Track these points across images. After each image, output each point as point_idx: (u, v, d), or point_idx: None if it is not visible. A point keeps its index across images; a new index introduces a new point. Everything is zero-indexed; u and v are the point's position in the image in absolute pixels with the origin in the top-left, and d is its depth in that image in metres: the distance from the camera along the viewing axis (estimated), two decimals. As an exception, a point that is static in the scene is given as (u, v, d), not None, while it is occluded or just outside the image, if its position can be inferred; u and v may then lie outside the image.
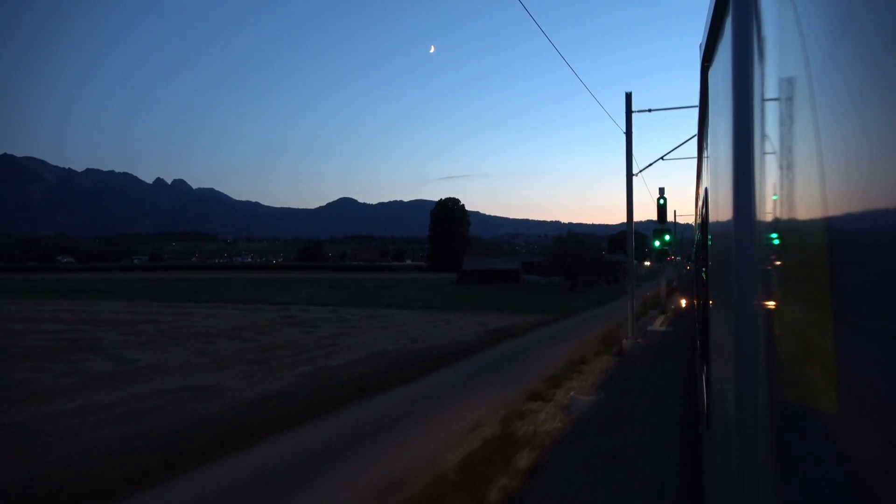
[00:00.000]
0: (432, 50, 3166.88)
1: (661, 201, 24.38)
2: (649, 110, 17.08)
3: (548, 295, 48.97)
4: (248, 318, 26.83)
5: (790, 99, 0.95)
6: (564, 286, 58.90)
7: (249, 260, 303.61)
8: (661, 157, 17.32)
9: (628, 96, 16.93)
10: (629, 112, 16.90)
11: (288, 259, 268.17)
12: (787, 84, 0.98)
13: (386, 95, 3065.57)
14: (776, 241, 1.09)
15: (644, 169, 17.43)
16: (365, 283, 76.95)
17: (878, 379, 0.57)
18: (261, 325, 23.57)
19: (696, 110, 4.08)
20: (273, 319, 26.36)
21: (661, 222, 23.62)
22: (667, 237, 23.47)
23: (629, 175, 17.02)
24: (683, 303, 27.98)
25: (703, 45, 2.45)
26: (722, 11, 1.78)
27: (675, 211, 48.21)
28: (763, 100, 1.24)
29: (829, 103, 0.73)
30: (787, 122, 0.99)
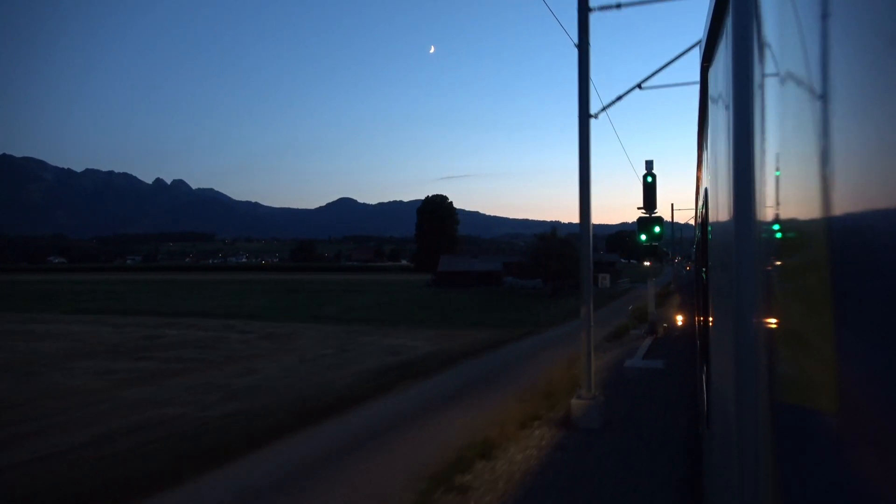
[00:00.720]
0: (432, 50, 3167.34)
1: (649, 179, 17.21)
2: (618, 6, 9.90)
3: (524, 301, 41.55)
4: (92, 339, 19.85)
5: (790, 98, 0.94)
6: (547, 290, 51.60)
7: (244, 260, 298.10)
8: (638, 86, 10.12)
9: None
10: (584, 9, 9.77)
11: (284, 259, 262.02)
12: (787, 84, 0.97)
13: (386, 96, 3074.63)
14: (776, 241, 1.07)
15: (610, 105, 10.20)
16: (334, 286, 69.50)
17: (878, 379, 0.56)
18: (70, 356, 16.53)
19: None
20: (122, 341, 19.37)
21: (649, 209, 16.51)
22: (656, 229, 16.34)
23: (584, 117, 9.86)
24: (680, 320, 20.37)
25: (703, 45, 2.41)
26: (722, 11, 1.78)
27: (672, 205, 41.24)
28: (763, 99, 1.22)
29: (828, 103, 0.72)
30: (786, 121, 0.98)
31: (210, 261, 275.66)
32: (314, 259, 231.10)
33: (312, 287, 64.36)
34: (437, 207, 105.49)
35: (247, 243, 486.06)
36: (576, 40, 9.91)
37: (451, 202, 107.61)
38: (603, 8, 9.99)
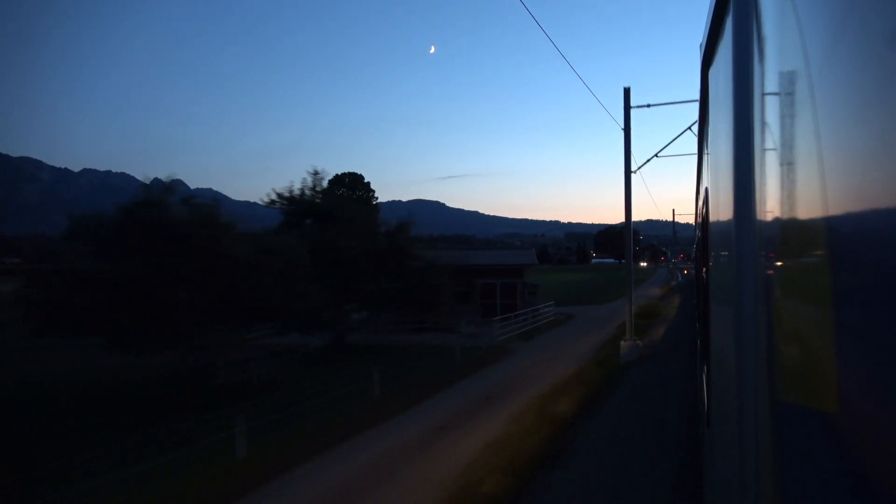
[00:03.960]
0: (432, 50, 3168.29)
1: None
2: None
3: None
4: None
5: (790, 98, 0.94)
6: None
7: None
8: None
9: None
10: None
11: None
12: (787, 83, 0.97)
13: (385, 95, 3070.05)
14: (776, 241, 1.07)
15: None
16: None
17: (878, 379, 0.56)
18: None
19: (696, 106, 3.98)
20: None
21: None
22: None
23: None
24: None
25: (704, 44, 2.43)
26: (722, 11, 1.77)
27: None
28: (763, 99, 1.22)
29: (829, 102, 0.73)
30: (787, 121, 0.98)
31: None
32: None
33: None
34: (351, 192, 60.43)
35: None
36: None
37: (369, 182, 65.05)
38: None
